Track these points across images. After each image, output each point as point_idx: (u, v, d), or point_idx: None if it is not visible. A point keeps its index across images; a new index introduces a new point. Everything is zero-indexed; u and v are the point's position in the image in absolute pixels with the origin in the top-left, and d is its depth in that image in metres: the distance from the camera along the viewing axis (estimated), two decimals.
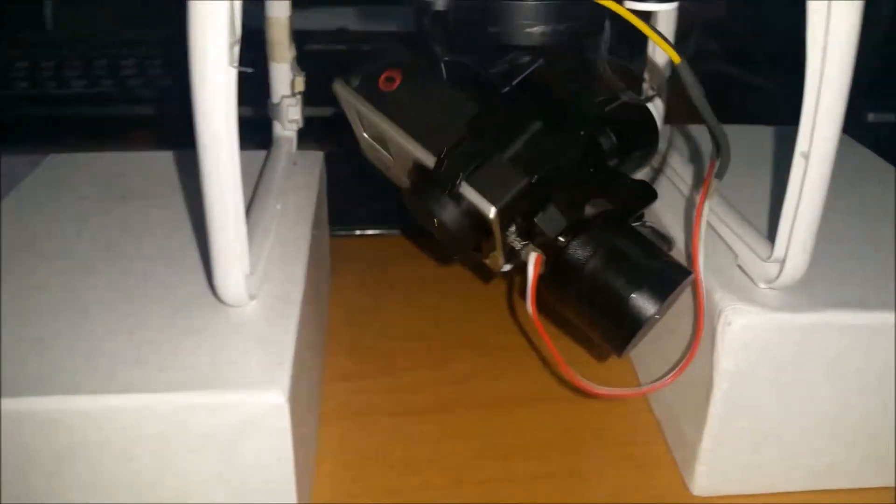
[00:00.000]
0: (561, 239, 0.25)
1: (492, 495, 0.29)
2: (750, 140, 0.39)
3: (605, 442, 0.31)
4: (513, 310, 0.39)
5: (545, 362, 0.35)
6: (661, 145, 0.36)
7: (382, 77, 0.28)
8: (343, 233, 0.45)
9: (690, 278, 0.25)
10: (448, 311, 0.39)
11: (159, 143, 0.46)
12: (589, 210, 0.26)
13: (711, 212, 0.30)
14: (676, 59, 0.23)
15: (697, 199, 0.26)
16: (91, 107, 0.57)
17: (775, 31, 0.59)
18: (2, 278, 0.27)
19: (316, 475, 0.29)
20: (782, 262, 0.25)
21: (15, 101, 0.57)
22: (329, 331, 0.37)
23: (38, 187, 0.35)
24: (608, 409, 0.33)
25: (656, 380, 0.28)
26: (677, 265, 0.26)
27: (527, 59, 0.28)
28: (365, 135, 0.30)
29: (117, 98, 0.57)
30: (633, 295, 0.24)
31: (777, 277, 0.26)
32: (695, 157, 0.36)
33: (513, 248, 0.26)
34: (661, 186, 0.35)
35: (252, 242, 0.25)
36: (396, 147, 0.28)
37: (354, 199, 0.46)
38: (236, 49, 0.21)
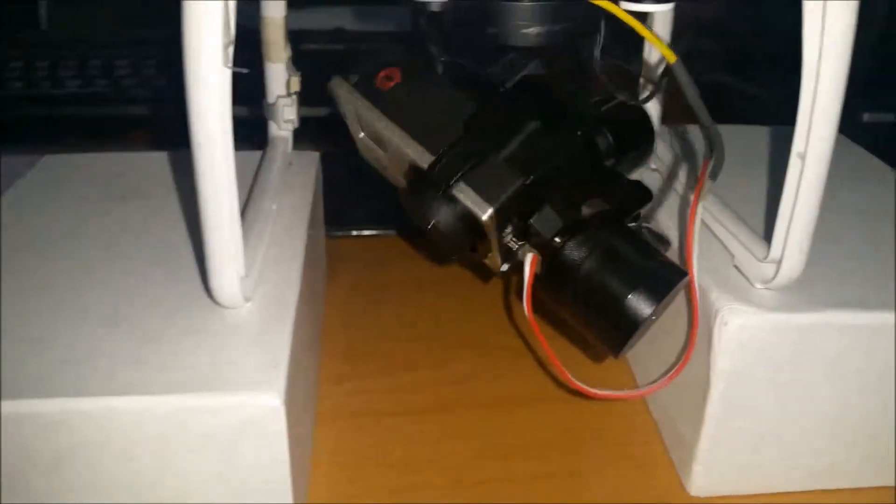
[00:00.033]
0: (557, 239, 0.25)
1: (491, 495, 0.29)
2: (745, 140, 0.39)
3: (604, 442, 0.31)
4: (511, 310, 0.39)
5: (544, 363, 0.35)
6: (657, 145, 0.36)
7: (380, 75, 0.28)
8: (339, 233, 0.45)
9: (686, 279, 0.25)
10: (447, 311, 0.39)
11: (155, 144, 0.46)
12: (585, 210, 0.26)
13: (707, 212, 0.30)
14: (671, 58, 0.23)
15: (692, 199, 0.26)
16: (86, 107, 0.57)
17: (773, 32, 0.59)
18: (1, 279, 0.27)
19: (312, 475, 0.29)
20: (779, 262, 0.25)
21: (10, 101, 0.56)
22: (326, 332, 0.37)
23: (33, 188, 0.34)
24: (607, 409, 0.33)
25: (653, 381, 0.28)
26: (673, 266, 0.25)
27: (523, 59, 0.28)
28: (361, 134, 0.30)
29: (112, 98, 0.57)
30: (629, 296, 0.24)
31: (774, 278, 0.26)
32: (689, 156, 0.36)
33: (509, 248, 0.26)
34: (657, 187, 0.35)
35: (247, 244, 0.25)
36: (393, 146, 0.28)
37: (350, 199, 0.46)
38: (231, 49, 0.21)
